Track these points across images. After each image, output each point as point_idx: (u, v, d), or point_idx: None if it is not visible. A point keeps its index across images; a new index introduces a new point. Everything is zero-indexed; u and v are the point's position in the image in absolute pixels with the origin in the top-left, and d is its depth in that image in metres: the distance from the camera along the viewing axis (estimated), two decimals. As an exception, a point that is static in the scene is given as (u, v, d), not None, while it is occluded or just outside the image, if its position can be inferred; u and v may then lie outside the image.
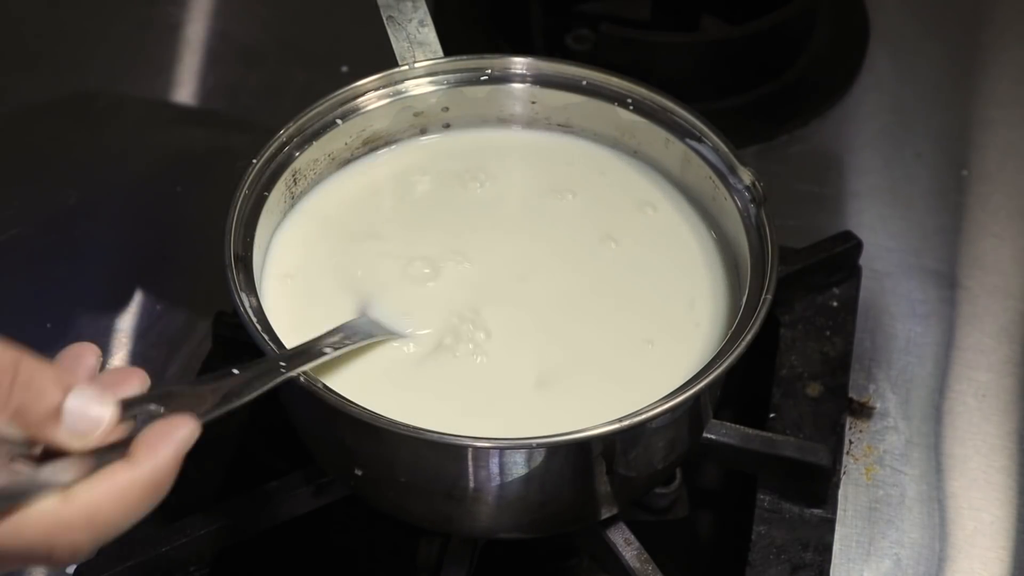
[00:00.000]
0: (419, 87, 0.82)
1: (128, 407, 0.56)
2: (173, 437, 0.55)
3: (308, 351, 0.68)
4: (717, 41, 1.10)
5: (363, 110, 0.81)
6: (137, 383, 0.58)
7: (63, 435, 0.54)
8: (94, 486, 0.53)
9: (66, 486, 0.53)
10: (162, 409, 0.57)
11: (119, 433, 0.55)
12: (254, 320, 0.69)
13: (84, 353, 0.58)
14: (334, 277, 0.77)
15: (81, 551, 0.53)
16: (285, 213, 0.79)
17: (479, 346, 0.73)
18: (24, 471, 0.53)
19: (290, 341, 0.70)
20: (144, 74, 1.15)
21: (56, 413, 0.53)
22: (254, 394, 0.63)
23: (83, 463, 0.54)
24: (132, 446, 0.54)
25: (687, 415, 0.72)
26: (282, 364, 0.66)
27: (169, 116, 1.11)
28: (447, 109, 0.83)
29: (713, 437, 0.82)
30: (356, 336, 0.71)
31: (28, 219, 1.03)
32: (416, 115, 0.83)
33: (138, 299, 0.97)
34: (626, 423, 0.65)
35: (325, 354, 0.69)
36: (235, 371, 0.63)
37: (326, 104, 0.79)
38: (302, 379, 0.66)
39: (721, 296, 0.76)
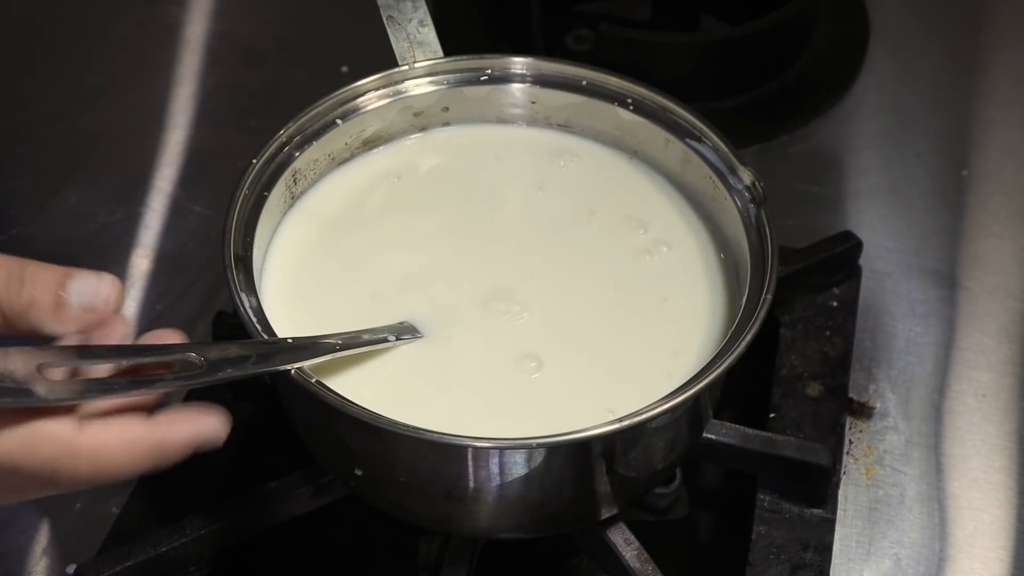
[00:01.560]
0: (419, 87, 0.82)
1: (167, 351, 0.61)
2: (195, 421, 0.61)
3: (364, 340, 0.71)
4: (717, 41, 1.11)
5: (363, 110, 0.81)
6: (174, 339, 0.63)
7: (72, 313, 0.59)
8: (107, 425, 0.58)
9: (84, 407, 0.58)
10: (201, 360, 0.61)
11: (142, 399, 0.60)
12: (254, 320, 0.68)
13: (115, 324, 0.62)
14: (335, 275, 0.77)
15: (81, 481, 0.58)
16: (285, 213, 0.79)
17: (479, 340, 0.74)
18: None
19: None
20: (144, 74, 1.15)
21: (63, 301, 0.59)
22: (297, 364, 0.66)
23: (104, 388, 0.58)
24: (159, 411, 0.60)
25: (687, 415, 0.72)
26: (338, 344, 0.68)
27: (169, 116, 1.11)
28: (447, 109, 0.83)
29: (713, 437, 0.82)
30: (378, 335, 0.72)
31: (28, 219, 1.03)
32: (416, 115, 0.83)
33: (138, 299, 0.97)
34: (626, 423, 0.65)
35: (387, 342, 0.72)
36: (290, 340, 0.68)
37: (326, 104, 0.79)
38: (313, 380, 0.66)
39: (721, 296, 0.76)
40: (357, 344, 0.70)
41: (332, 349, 0.68)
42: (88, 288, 0.60)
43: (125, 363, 0.59)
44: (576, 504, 0.73)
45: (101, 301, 0.60)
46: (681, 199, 0.81)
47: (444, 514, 0.72)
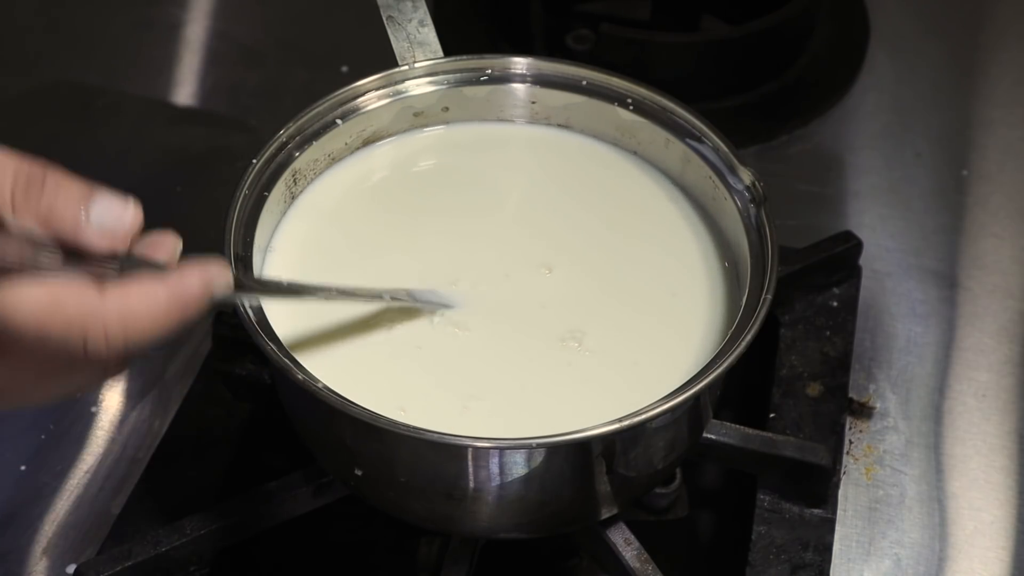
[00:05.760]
0: (419, 87, 0.82)
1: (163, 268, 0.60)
2: (206, 273, 0.60)
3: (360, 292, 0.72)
4: (717, 41, 1.11)
5: (363, 110, 0.81)
6: (172, 241, 0.61)
7: (90, 233, 0.57)
8: (127, 286, 0.57)
9: (98, 279, 0.57)
10: None
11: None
12: (254, 320, 0.68)
13: (165, 240, 0.61)
14: (335, 275, 0.77)
15: (113, 345, 0.56)
16: (285, 213, 0.79)
17: (479, 339, 0.74)
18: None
19: (290, 341, 0.71)
20: (144, 74, 1.15)
21: (83, 216, 0.57)
22: (293, 299, 0.70)
23: (111, 270, 0.57)
24: (167, 271, 0.59)
25: (687, 415, 0.72)
26: (334, 290, 0.70)
27: (169, 116, 1.11)
28: (447, 109, 0.83)
29: (713, 437, 0.82)
30: (404, 298, 0.73)
31: (28, 219, 1.03)
32: (416, 115, 0.83)
33: (138, 299, 0.97)
34: (626, 423, 0.65)
35: (381, 299, 0.72)
36: (286, 279, 0.71)
37: (326, 104, 0.79)
38: (289, 369, 0.66)
39: (721, 296, 0.76)
40: (349, 294, 0.72)
41: (329, 294, 0.70)
42: (111, 212, 0.58)
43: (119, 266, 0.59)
44: (576, 504, 0.73)
45: (122, 228, 0.58)
46: (682, 198, 0.81)
47: (444, 514, 0.72)
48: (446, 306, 0.75)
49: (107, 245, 0.57)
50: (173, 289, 0.58)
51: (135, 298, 0.57)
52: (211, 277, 0.60)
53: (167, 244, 0.61)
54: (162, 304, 0.58)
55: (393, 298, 0.73)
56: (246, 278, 0.69)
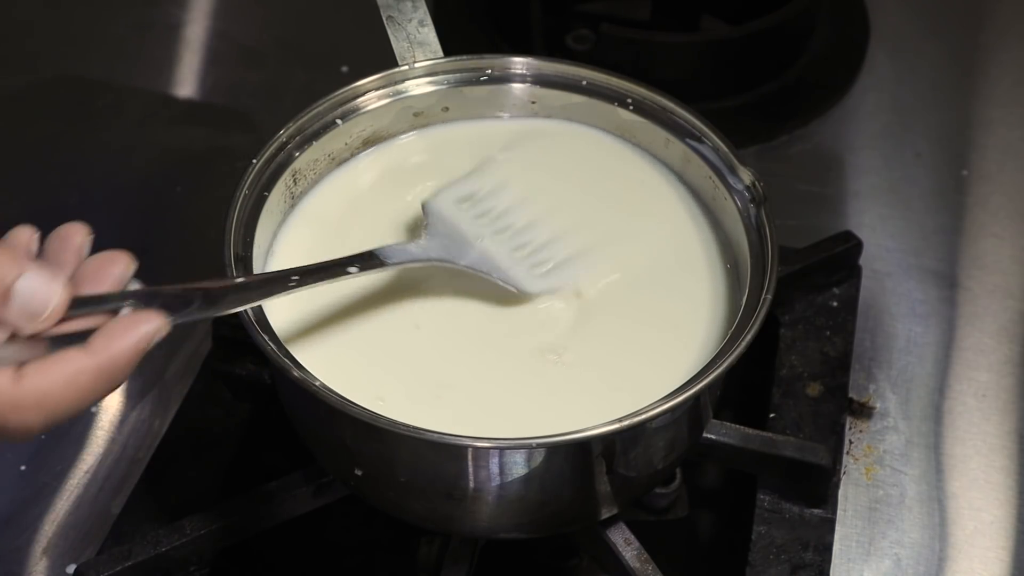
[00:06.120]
0: (419, 87, 0.82)
1: (103, 302, 0.57)
2: (133, 331, 0.56)
3: (323, 270, 0.68)
4: (717, 41, 1.11)
5: (363, 110, 0.81)
6: (120, 268, 0.58)
7: (13, 315, 0.54)
8: (45, 369, 0.54)
9: (17, 365, 0.54)
10: (141, 306, 0.57)
11: (87, 324, 0.56)
12: (254, 320, 0.68)
13: (72, 234, 0.58)
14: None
15: (33, 431, 0.54)
16: (285, 213, 0.79)
17: (480, 336, 0.74)
18: None
19: (290, 341, 0.71)
20: (144, 74, 1.15)
21: (6, 294, 0.54)
22: (250, 304, 0.65)
23: (37, 347, 0.55)
24: (91, 336, 0.55)
25: (687, 415, 0.72)
26: (293, 278, 0.66)
27: (169, 116, 1.11)
28: (447, 109, 0.83)
29: (713, 437, 0.82)
30: (379, 261, 0.71)
31: (28, 219, 1.03)
32: (416, 115, 0.83)
33: (138, 299, 0.97)
34: (626, 423, 0.65)
35: (348, 274, 0.69)
36: (239, 279, 0.66)
37: (326, 104, 0.79)
38: (289, 369, 0.66)
39: (721, 296, 0.76)
40: (315, 276, 0.68)
41: (286, 286, 0.67)
42: (37, 292, 0.54)
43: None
44: (576, 504, 0.73)
45: (47, 310, 0.54)
46: (687, 194, 0.81)
47: (444, 514, 0.72)
48: (421, 260, 0.73)
49: (30, 328, 0.54)
50: (98, 360, 0.55)
51: (55, 379, 0.54)
52: (143, 334, 0.56)
53: (115, 270, 0.58)
54: (87, 379, 0.55)
55: (363, 268, 0.70)
56: (191, 303, 0.61)
